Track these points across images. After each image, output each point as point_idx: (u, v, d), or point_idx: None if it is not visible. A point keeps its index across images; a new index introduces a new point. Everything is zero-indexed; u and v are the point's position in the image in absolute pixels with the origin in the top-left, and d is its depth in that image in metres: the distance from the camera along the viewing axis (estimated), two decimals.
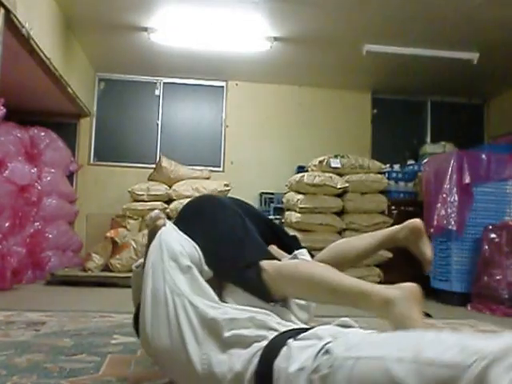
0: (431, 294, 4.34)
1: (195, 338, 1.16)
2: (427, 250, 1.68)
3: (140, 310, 1.33)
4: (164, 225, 1.40)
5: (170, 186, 5.28)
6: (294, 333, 1.05)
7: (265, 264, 1.34)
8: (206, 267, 1.40)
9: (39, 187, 4.78)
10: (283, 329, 1.11)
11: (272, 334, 1.08)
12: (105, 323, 2.55)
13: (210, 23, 4.64)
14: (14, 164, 4.46)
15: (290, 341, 1.01)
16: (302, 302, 1.43)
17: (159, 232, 1.36)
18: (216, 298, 1.25)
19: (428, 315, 3.29)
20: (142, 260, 1.46)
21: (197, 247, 1.41)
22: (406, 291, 1.14)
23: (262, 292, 1.33)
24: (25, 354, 1.80)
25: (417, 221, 1.71)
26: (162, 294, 1.21)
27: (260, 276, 1.31)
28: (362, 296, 1.18)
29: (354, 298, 1.20)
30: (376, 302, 1.15)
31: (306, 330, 1.07)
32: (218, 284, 1.47)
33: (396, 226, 1.74)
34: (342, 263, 1.73)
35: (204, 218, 1.58)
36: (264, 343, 1.06)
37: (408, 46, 4.93)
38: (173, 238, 1.34)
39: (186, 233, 1.49)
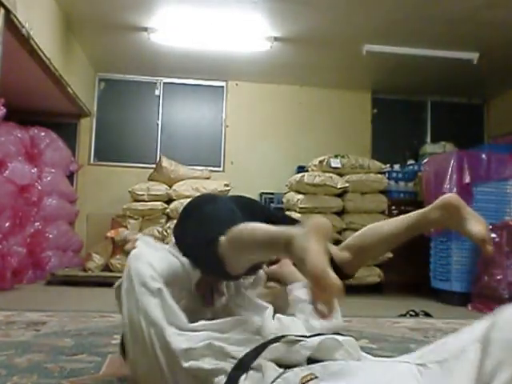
0: (431, 293, 4.35)
1: (169, 368, 1.16)
2: (474, 226, 1.37)
3: (123, 335, 1.32)
4: (134, 247, 1.32)
5: (170, 186, 5.28)
6: (250, 358, 1.05)
7: (222, 238, 1.23)
8: (191, 269, 1.37)
9: (39, 187, 4.79)
10: (241, 352, 1.10)
11: (230, 364, 1.08)
12: (105, 323, 2.55)
13: (209, 23, 4.64)
14: (14, 164, 4.46)
15: (242, 379, 1.01)
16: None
17: (129, 257, 1.30)
18: (185, 320, 1.22)
19: (428, 315, 3.30)
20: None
21: (178, 255, 1.37)
22: (308, 225, 1.03)
23: (218, 269, 1.25)
24: (25, 354, 1.80)
25: (449, 196, 1.47)
26: (138, 323, 1.20)
27: (217, 251, 1.22)
28: (273, 241, 1.10)
29: (270, 245, 1.13)
30: (282, 243, 1.06)
31: (263, 346, 1.06)
32: (218, 288, 1.46)
33: (427, 207, 1.50)
34: (368, 250, 1.61)
35: (188, 217, 1.55)
36: (222, 380, 1.06)
37: (408, 46, 4.93)
38: (142, 260, 1.27)
39: (181, 235, 1.48)
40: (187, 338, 1.17)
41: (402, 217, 1.59)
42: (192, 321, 1.24)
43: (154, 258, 1.30)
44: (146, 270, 1.24)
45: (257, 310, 1.31)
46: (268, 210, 1.78)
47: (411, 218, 1.53)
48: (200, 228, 1.42)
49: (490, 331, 0.80)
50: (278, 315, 1.32)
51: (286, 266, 1.57)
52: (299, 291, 1.44)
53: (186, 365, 1.13)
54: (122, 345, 1.35)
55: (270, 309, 1.33)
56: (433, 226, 1.58)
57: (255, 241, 1.16)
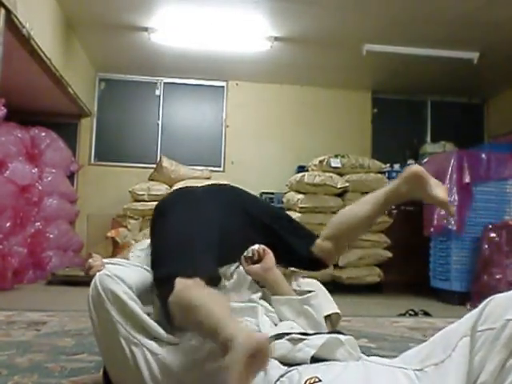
0: (431, 293, 4.35)
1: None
2: (437, 192, 1.49)
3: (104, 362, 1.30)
4: (99, 270, 1.25)
5: (171, 186, 5.29)
6: None
7: (180, 282, 1.12)
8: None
9: (40, 187, 4.80)
10: None
11: None
12: None
13: (210, 23, 4.65)
14: (14, 164, 4.47)
15: None
16: (308, 309, 1.36)
17: (94, 279, 1.22)
18: (160, 331, 1.20)
19: (427, 314, 3.31)
20: None
21: (147, 268, 1.35)
22: (247, 343, 0.89)
23: (167, 314, 1.16)
24: (26, 354, 1.81)
25: (412, 168, 1.55)
26: (118, 345, 1.17)
27: (167, 296, 1.13)
28: (211, 331, 0.98)
29: (207, 332, 1.03)
30: (219, 340, 0.94)
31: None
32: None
33: (395, 181, 1.57)
34: (345, 237, 1.62)
35: (158, 221, 1.47)
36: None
37: (408, 46, 4.93)
38: (112, 278, 1.21)
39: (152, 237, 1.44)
40: (181, 349, 1.16)
41: (371, 196, 1.60)
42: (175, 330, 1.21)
43: (123, 273, 1.25)
44: (118, 288, 1.20)
45: (246, 311, 1.30)
46: (263, 218, 1.61)
47: (382, 196, 1.56)
48: (157, 247, 1.36)
49: (476, 324, 0.81)
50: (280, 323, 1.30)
51: (271, 273, 1.45)
52: (283, 307, 1.37)
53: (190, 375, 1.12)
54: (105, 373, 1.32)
55: (260, 308, 1.32)
56: (405, 199, 1.60)
57: (196, 319, 1.06)
